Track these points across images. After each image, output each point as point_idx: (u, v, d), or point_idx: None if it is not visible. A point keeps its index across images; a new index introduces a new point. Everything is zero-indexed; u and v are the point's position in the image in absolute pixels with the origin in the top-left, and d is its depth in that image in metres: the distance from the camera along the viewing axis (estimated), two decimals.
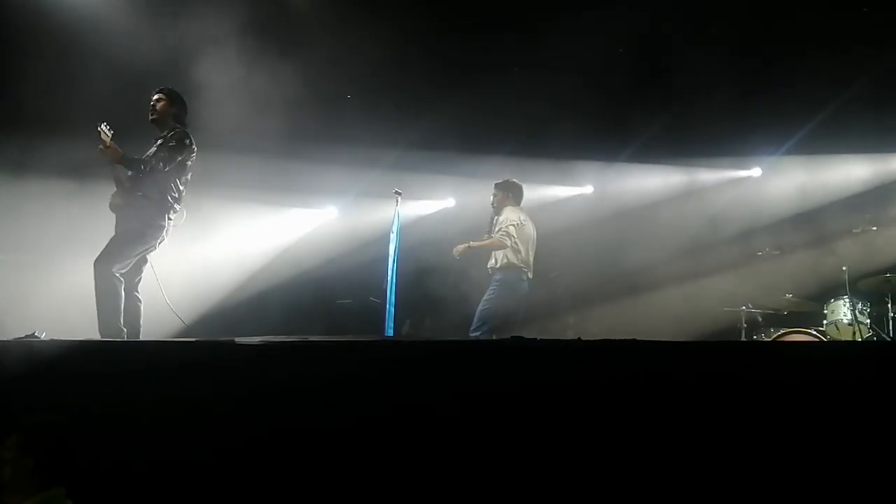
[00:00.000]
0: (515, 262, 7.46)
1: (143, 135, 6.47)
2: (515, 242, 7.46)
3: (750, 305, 8.02)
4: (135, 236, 5.99)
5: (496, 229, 7.58)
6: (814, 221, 8.97)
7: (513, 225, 7.50)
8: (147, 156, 6.13)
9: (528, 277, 7.55)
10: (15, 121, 7.82)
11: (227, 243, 8.75)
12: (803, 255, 8.66)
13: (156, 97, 6.30)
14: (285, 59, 8.11)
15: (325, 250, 9.61)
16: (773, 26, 8.07)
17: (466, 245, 7.57)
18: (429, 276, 8.85)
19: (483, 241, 7.60)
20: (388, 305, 7.53)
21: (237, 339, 4.89)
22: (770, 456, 3.85)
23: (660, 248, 9.33)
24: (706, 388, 4.02)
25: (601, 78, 8.51)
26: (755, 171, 9.63)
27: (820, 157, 9.08)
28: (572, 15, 8.13)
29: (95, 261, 5.89)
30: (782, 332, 7.33)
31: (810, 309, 7.87)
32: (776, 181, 9.40)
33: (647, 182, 9.83)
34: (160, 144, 6.18)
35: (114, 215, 6.13)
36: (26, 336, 5.33)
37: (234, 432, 4.17)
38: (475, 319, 7.41)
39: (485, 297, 7.49)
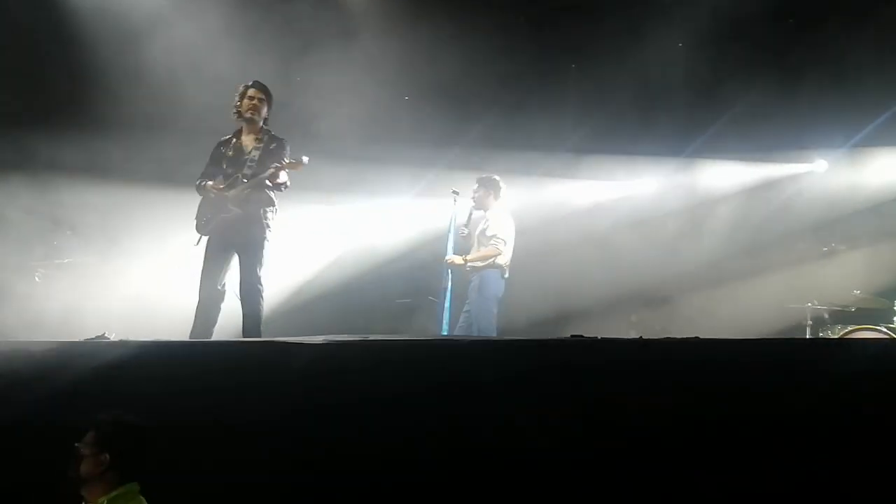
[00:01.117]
0: (502, 262, 7.42)
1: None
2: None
3: (816, 302, 7.86)
4: (265, 244, 6.20)
5: (487, 232, 7.45)
6: (882, 216, 8.74)
7: (510, 232, 7.50)
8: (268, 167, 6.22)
9: (506, 277, 7.52)
10: (85, 125, 8.04)
11: (288, 244, 8.87)
12: (871, 251, 8.45)
13: (254, 93, 6.27)
14: (348, 60, 8.21)
15: (384, 250, 9.67)
16: (839, 10, 7.91)
17: (462, 260, 7.48)
18: None
19: (479, 253, 7.46)
20: (445, 304, 7.56)
21: (300, 339, 4.96)
22: (840, 456, 3.76)
23: (722, 243, 9.18)
24: (771, 387, 3.95)
25: (663, 73, 8.43)
26: (821, 165, 9.42)
27: (888, 149, 8.86)
28: (636, 10, 8.11)
29: (253, 272, 6.14)
30: (850, 329, 7.17)
31: (879, 305, 7.67)
32: (843, 175, 9.18)
33: (711, 177, 9.69)
34: (275, 150, 6.23)
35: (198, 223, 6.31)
36: (96, 337, 5.48)
37: (297, 432, 4.22)
38: (473, 324, 7.35)
39: (473, 299, 7.44)
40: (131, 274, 8.01)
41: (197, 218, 6.29)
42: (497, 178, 7.66)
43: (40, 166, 7.81)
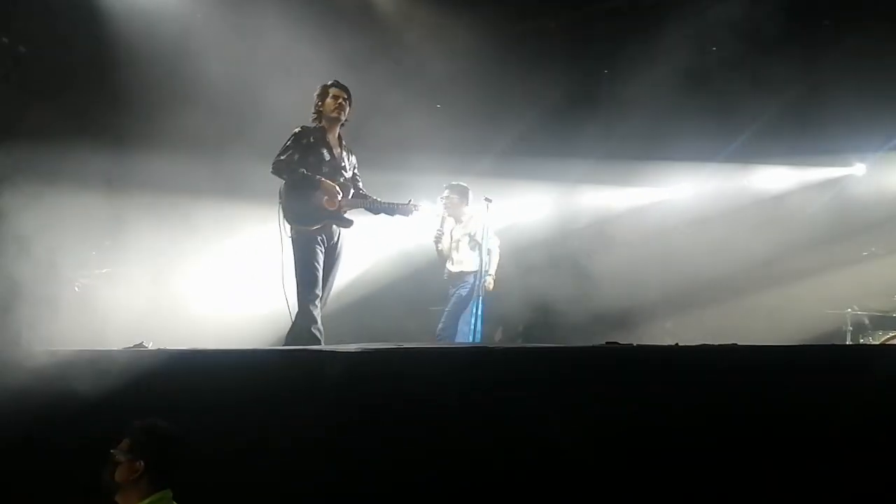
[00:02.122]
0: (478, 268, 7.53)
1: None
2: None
3: (856, 307, 7.75)
4: None
5: (477, 237, 7.56)
6: None
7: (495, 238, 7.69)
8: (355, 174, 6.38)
9: None
10: (122, 138, 8.16)
11: None
12: None
13: (337, 92, 6.24)
14: (383, 70, 8.26)
15: (417, 257, 9.69)
16: (876, 11, 7.81)
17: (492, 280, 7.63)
18: (521, 282, 8.83)
19: (494, 264, 7.68)
20: (477, 312, 7.56)
21: (333, 347, 4.98)
22: (883, 464, 3.70)
23: (760, 248, 9.09)
24: (810, 394, 3.89)
25: (697, 77, 8.37)
26: (859, 168, 9.30)
27: None
28: (668, 15, 8.06)
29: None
30: (892, 334, 7.07)
31: None
32: (882, 178, 9.05)
33: (747, 181, 9.60)
34: (352, 162, 6.37)
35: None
36: (135, 346, 5.55)
37: (332, 440, 4.24)
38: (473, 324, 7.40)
39: (457, 301, 7.57)
40: (169, 283, 8.10)
41: (294, 209, 6.13)
42: (466, 185, 7.81)
43: (79, 177, 7.93)
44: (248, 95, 7.92)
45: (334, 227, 6.20)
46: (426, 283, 9.59)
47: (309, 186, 6.08)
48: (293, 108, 6.89)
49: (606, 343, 4.98)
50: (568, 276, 8.10)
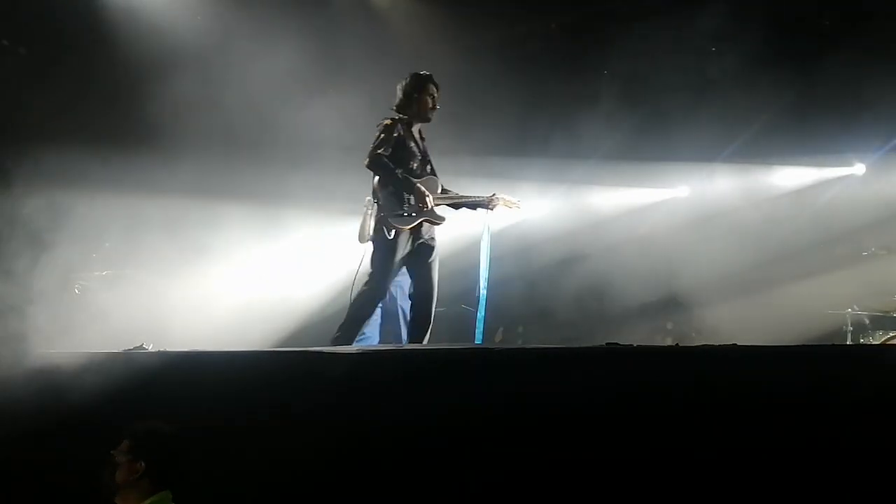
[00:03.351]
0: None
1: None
2: None
3: (856, 307, 7.75)
4: None
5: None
6: None
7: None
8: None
9: None
10: (123, 141, 8.16)
11: (324, 254, 8.92)
12: None
13: (434, 90, 5.99)
14: (384, 71, 8.24)
15: None
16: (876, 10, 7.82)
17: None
18: (522, 283, 8.84)
19: None
20: (478, 313, 7.54)
21: (335, 349, 4.99)
22: (883, 464, 3.69)
23: (760, 248, 9.09)
24: (811, 394, 3.89)
25: (698, 78, 8.38)
26: (858, 169, 9.30)
27: None
28: (670, 15, 8.07)
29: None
30: (892, 334, 7.07)
31: None
32: (882, 178, 9.05)
33: (748, 182, 9.61)
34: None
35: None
36: (135, 347, 5.55)
37: (333, 441, 4.24)
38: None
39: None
40: (170, 285, 8.10)
41: (393, 208, 5.90)
42: None
43: (80, 181, 7.94)
44: (247, 96, 7.93)
45: (426, 224, 5.97)
46: None
47: (405, 184, 5.87)
48: (295, 111, 6.91)
49: (607, 344, 4.99)
50: (569, 277, 8.09)
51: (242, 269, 8.06)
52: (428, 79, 5.97)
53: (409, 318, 6.35)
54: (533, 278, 8.65)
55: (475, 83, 8.66)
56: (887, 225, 8.68)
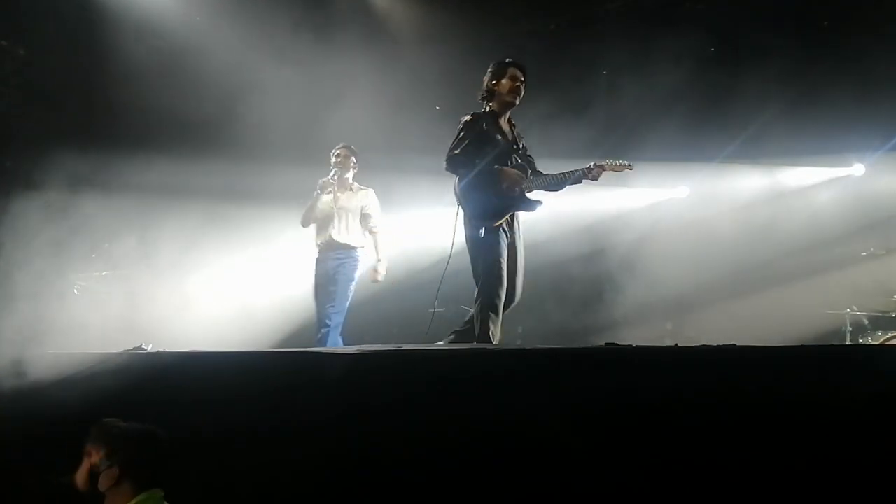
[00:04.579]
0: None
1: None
2: None
3: (855, 308, 7.75)
4: None
5: (367, 210, 7.26)
6: None
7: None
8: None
9: None
10: (120, 140, 8.17)
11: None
12: None
13: (517, 73, 5.81)
14: (381, 71, 8.26)
15: (417, 259, 9.68)
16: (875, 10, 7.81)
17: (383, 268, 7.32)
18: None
19: (381, 247, 7.36)
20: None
21: (333, 349, 4.98)
22: (881, 464, 3.69)
23: (759, 249, 9.09)
24: (810, 394, 3.89)
25: (696, 77, 8.37)
26: (857, 169, 9.30)
27: None
28: (667, 16, 8.06)
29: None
30: (891, 334, 7.07)
31: None
32: (881, 178, 9.05)
33: (747, 182, 9.60)
34: (525, 144, 6.01)
35: None
36: (134, 348, 5.55)
37: (331, 442, 4.24)
38: (342, 304, 7.11)
39: (348, 277, 7.17)
40: (169, 286, 8.10)
41: (478, 206, 5.74)
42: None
43: (79, 179, 7.93)
44: (244, 97, 7.93)
45: (511, 216, 5.78)
46: (426, 284, 9.58)
47: (488, 178, 5.68)
48: (294, 111, 6.91)
49: (606, 344, 4.99)
50: (569, 277, 8.08)
51: (242, 269, 8.05)
52: (506, 65, 5.80)
53: None
54: (533, 278, 8.61)
55: (465, 84, 8.65)
56: (886, 225, 8.68)
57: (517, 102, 5.81)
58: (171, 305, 7.85)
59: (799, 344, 7.55)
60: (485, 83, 5.84)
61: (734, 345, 4.37)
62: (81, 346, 6.04)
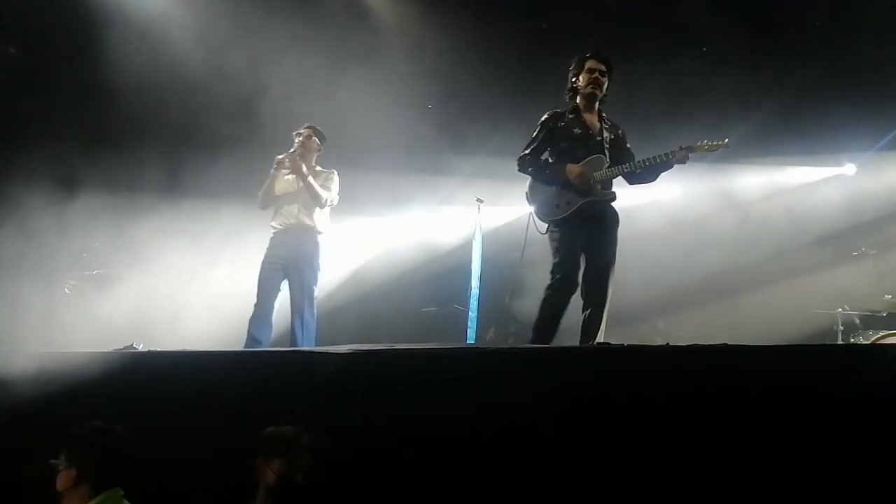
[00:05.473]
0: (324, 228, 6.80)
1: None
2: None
3: (846, 307, 7.76)
4: None
5: (327, 185, 6.74)
6: None
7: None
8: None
9: None
10: (113, 138, 8.15)
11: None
12: None
13: (594, 65, 5.65)
14: (366, 67, 8.23)
15: (409, 259, 9.68)
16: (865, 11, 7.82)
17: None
18: (514, 282, 8.81)
19: (315, 183, 6.64)
20: (470, 313, 7.54)
21: (324, 349, 4.97)
22: (870, 464, 3.70)
23: (750, 248, 9.10)
24: (801, 394, 3.90)
25: (688, 78, 8.37)
26: (849, 168, 9.32)
27: None
28: (659, 16, 8.08)
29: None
30: (882, 334, 7.07)
31: None
32: (872, 178, 9.07)
33: (738, 181, 9.61)
34: (623, 135, 5.87)
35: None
36: (125, 347, 5.53)
37: (318, 439, 4.23)
38: (313, 295, 6.67)
39: (311, 264, 6.67)
40: (160, 284, 8.08)
41: (544, 203, 5.66)
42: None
43: (70, 178, 7.91)
44: (234, 96, 7.91)
45: (591, 205, 5.60)
46: (417, 283, 9.59)
47: (554, 174, 5.61)
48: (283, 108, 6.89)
49: (598, 343, 4.99)
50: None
51: (234, 268, 8.02)
52: (584, 58, 5.69)
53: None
54: (525, 277, 8.61)
55: (457, 83, 8.67)
56: (878, 224, 8.70)
57: (600, 94, 5.68)
58: (163, 304, 7.83)
59: (791, 343, 7.58)
60: (567, 81, 5.77)
61: (726, 344, 4.37)
62: (72, 345, 6.03)
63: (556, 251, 5.56)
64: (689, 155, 5.64)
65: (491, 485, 4.01)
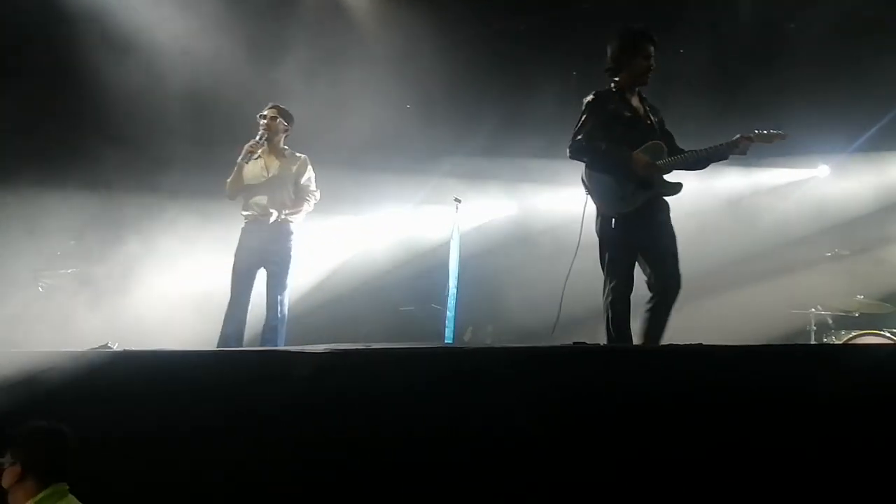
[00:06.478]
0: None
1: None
2: None
3: (819, 307, 7.83)
4: None
5: (302, 181, 6.69)
6: (885, 220, 8.73)
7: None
8: None
9: None
10: (89, 136, 8.08)
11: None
12: (875, 255, 8.43)
13: (651, 51, 5.27)
14: (345, 66, 8.22)
15: (387, 258, 9.67)
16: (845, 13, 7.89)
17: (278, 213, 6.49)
18: (491, 282, 8.84)
19: (298, 207, 6.62)
20: (448, 312, 7.54)
21: (301, 348, 4.96)
22: (844, 463, 3.74)
23: (724, 249, 9.15)
24: (775, 393, 3.93)
25: (664, 79, 8.41)
26: (823, 170, 9.41)
27: (891, 153, 8.85)
28: (637, 17, 8.10)
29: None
30: (854, 334, 7.15)
31: (883, 310, 7.65)
32: (845, 180, 9.16)
33: (712, 182, 9.66)
34: (662, 119, 5.57)
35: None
36: (100, 346, 5.49)
37: (299, 441, 4.22)
38: (286, 292, 6.56)
39: (284, 255, 6.55)
40: (135, 283, 8.03)
41: (608, 193, 5.29)
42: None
43: (45, 177, 7.84)
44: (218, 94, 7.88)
45: (653, 200, 5.28)
46: (395, 283, 9.58)
47: (618, 161, 5.18)
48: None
49: (574, 343, 5.01)
50: (534, 276, 8.09)
51: (210, 267, 7.98)
52: (642, 39, 5.22)
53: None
54: (502, 277, 8.65)
55: (436, 83, 8.67)
56: (851, 226, 8.78)
57: (647, 83, 5.31)
58: (139, 303, 7.78)
59: (765, 343, 7.64)
60: (610, 56, 5.27)
61: (701, 344, 4.41)
62: (46, 344, 5.98)
63: (616, 250, 5.26)
64: (750, 145, 5.33)
65: (469, 485, 4.02)
